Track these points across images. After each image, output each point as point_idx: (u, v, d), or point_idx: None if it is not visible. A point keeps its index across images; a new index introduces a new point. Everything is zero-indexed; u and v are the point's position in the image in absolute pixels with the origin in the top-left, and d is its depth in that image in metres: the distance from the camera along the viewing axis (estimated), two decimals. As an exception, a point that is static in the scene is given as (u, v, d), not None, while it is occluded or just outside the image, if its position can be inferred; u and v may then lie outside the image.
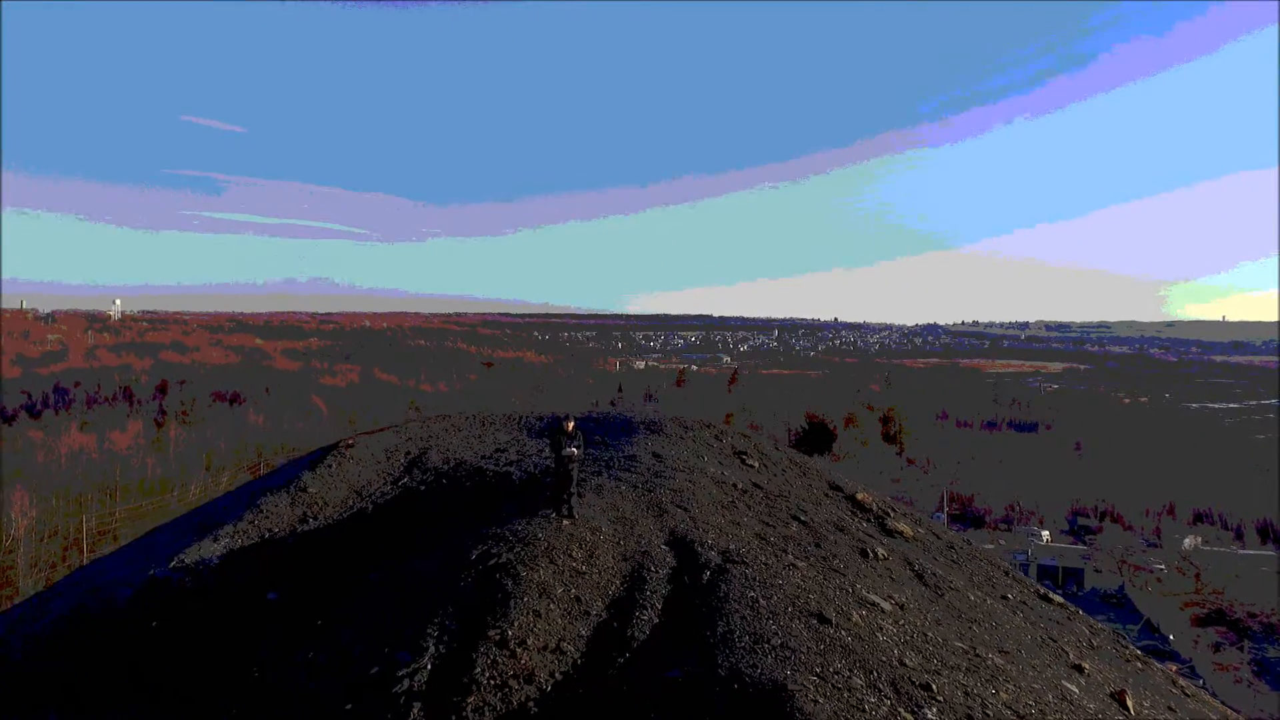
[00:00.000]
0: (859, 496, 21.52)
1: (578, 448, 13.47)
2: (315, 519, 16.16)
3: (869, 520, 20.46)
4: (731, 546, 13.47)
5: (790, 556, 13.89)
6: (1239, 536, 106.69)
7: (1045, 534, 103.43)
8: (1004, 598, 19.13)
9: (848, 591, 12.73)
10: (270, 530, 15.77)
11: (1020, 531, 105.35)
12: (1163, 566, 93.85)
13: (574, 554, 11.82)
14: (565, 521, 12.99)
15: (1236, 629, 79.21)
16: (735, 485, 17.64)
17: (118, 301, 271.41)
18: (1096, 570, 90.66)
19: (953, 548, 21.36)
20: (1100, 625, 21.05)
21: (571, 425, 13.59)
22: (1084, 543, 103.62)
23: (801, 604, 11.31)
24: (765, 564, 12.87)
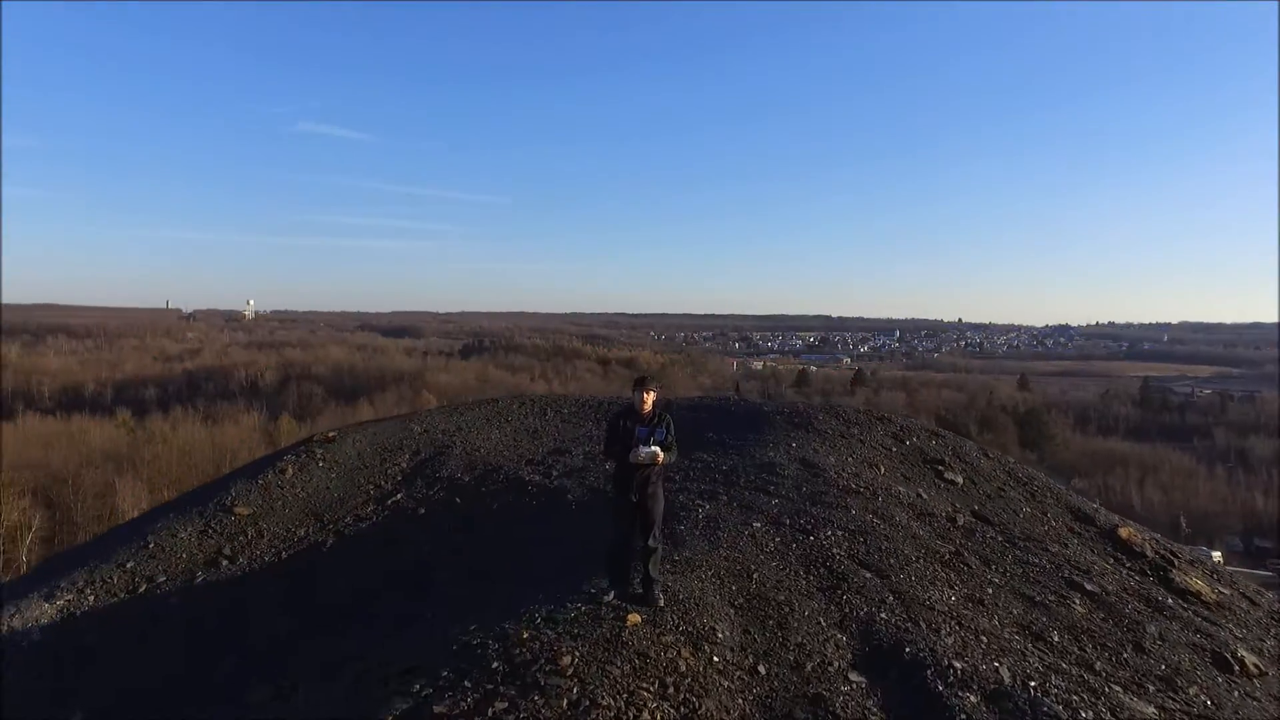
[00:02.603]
0: (1121, 533, 13.62)
1: (665, 447, 6.31)
2: (232, 562, 9.62)
3: (1143, 572, 12.58)
4: (1003, 672, 6.13)
5: (1118, 689, 6.54)
6: None
7: (1216, 555, 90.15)
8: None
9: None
10: (151, 580, 9.31)
11: (1188, 553, 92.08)
12: (1369, 597, 79.50)
13: (646, 711, 4.74)
14: (632, 616, 5.85)
15: None
16: (952, 520, 10.16)
17: (251, 301, 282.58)
18: (1288, 599, 77.37)
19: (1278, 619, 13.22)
20: None
21: (651, 400, 6.36)
22: (1265, 567, 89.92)
23: None
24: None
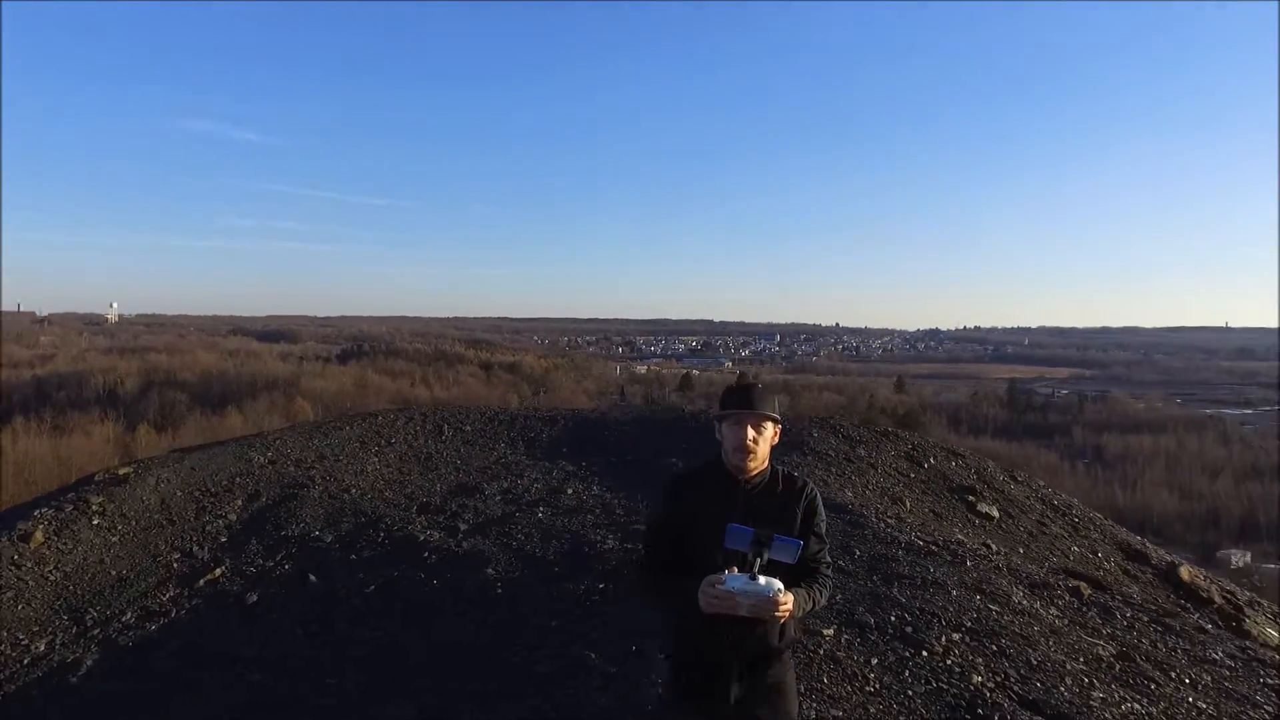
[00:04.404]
0: (1182, 574, 10.99)
1: (806, 570, 2.48)
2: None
3: (1214, 622, 9.76)
4: None
5: None
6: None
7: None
8: None
9: None
10: None
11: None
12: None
13: None
14: None
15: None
16: (1075, 592, 6.91)
17: (115, 304, 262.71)
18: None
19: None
20: None
21: (766, 444, 2.56)
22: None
23: None
24: None
